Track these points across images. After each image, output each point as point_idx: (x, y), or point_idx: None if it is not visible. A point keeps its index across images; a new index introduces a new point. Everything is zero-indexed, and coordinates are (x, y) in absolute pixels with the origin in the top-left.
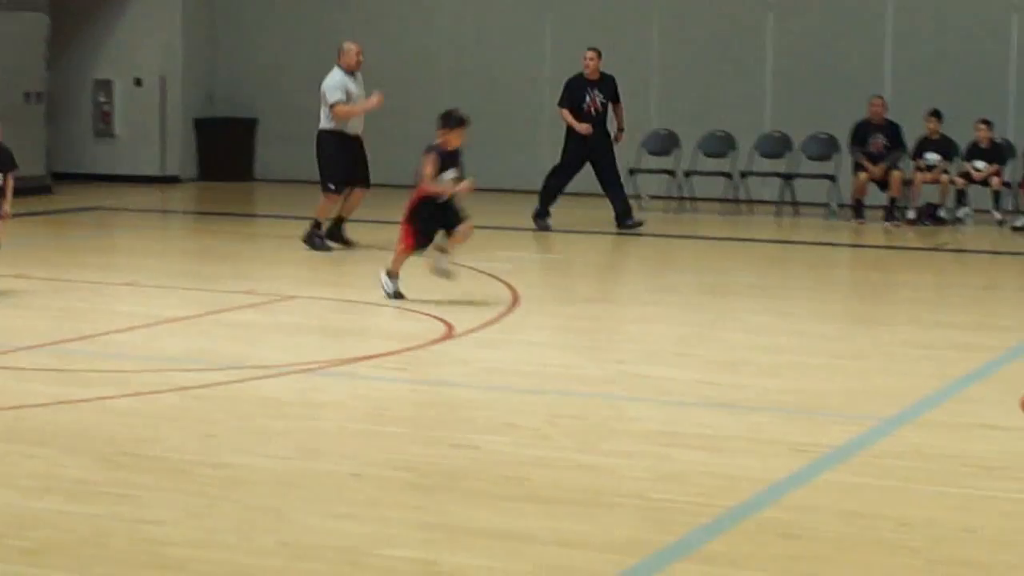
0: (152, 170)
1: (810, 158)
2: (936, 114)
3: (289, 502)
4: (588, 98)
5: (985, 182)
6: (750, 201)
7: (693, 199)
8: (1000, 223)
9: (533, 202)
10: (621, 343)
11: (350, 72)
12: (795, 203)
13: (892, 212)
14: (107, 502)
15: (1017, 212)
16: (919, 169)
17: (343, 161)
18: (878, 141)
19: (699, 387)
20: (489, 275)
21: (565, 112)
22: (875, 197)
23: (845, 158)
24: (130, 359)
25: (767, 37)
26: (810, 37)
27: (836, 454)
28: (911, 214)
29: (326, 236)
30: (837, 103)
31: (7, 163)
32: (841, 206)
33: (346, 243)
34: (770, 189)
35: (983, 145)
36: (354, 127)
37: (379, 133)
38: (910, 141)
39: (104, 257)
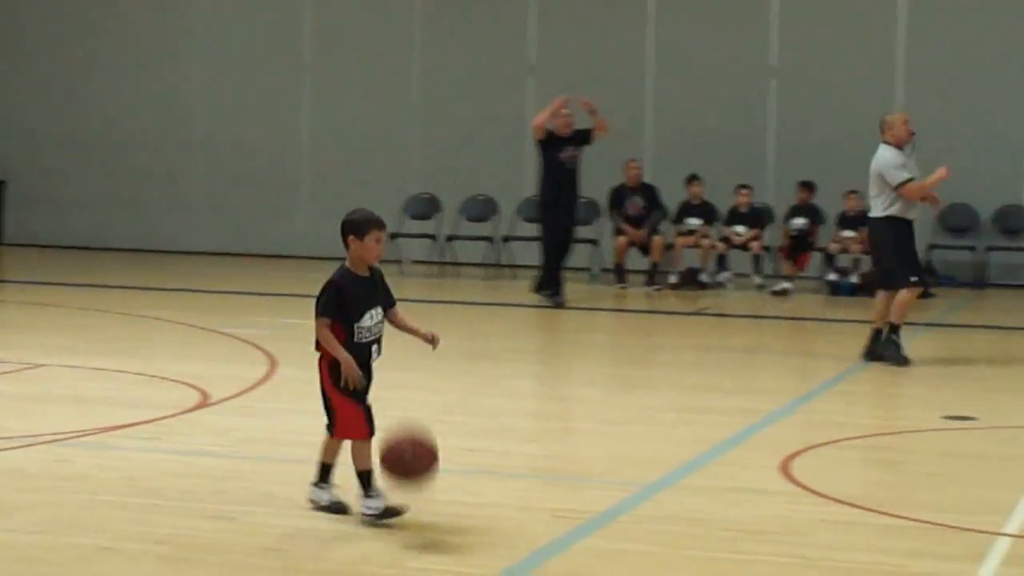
0: None
1: None
2: (696, 179)
3: None
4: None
5: (745, 247)
6: (513, 266)
7: (455, 264)
8: (760, 287)
9: (288, 267)
10: (381, 410)
11: (900, 146)
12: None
13: (654, 276)
14: None
15: (777, 276)
16: (680, 233)
17: (910, 249)
18: (636, 204)
19: (461, 454)
20: (246, 342)
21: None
22: (637, 261)
23: (606, 222)
24: None
25: (527, 101)
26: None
27: (598, 520)
28: (673, 278)
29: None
30: (597, 167)
31: (388, 297)
32: (603, 270)
33: (902, 360)
34: (533, 253)
35: (743, 210)
36: (914, 211)
37: (132, 197)
38: (672, 206)
39: None
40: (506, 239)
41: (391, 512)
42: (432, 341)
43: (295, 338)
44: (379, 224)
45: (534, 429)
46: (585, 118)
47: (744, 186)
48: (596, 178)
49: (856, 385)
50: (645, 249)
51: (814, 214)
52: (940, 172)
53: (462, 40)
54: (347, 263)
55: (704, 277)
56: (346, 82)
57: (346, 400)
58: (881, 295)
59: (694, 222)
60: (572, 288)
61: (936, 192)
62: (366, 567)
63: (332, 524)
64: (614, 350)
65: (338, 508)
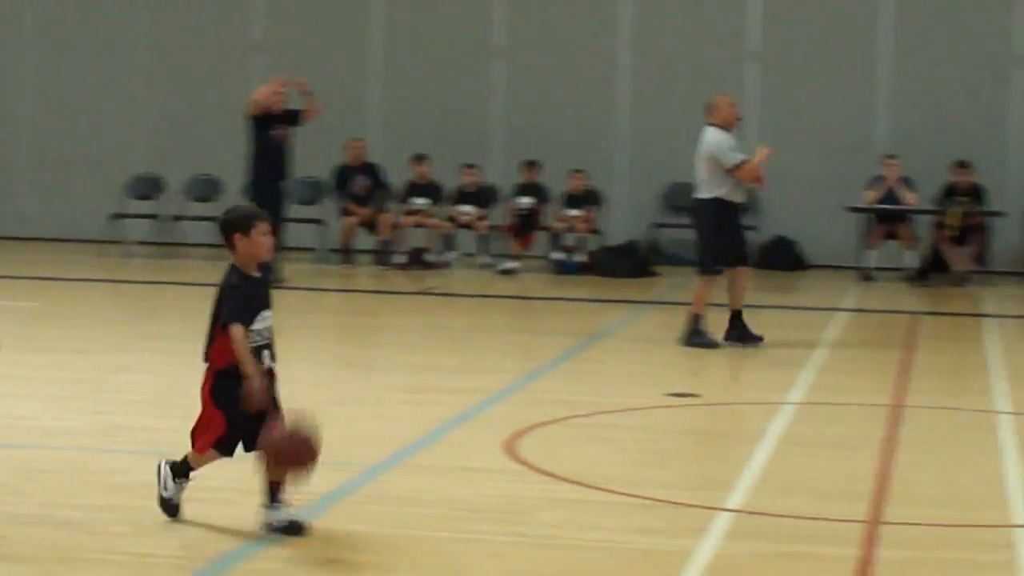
0: None
1: (297, 202)
2: (422, 158)
3: None
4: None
5: (472, 226)
6: None
7: (181, 244)
8: (487, 266)
9: (8, 249)
10: (101, 393)
11: (728, 129)
12: (284, 248)
13: (381, 256)
14: None
15: (503, 256)
16: (407, 213)
17: (731, 236)
18: (360, 183)
19: (182, 436)
20: None
21: None
22: (364, 241)
23: (332, 202)
24: None
25: (252, 79)
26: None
27: (322, 501)
28: (400, 258)
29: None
30: (323, 146)
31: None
32: (330, 251)
33: (756, 339)
34: None
35: (469, 189)
36: (741, 193)
37: None
38: (398, 185)
39: None
40: None
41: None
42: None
43: (12, 321)
44: (263, 216)
45: None
46: (299, 97)
47: (470, 165)
48: (321, 157)
49: (581, 363)
50: (372, 228)
51: (539, 193)
52: (763, 151)
53: (187, 16)
54: (236, 263)
55: (431, 257)
56: (68, 59)
57: (218, 415)
58: (728, 276)
59: (420, 202)
60: (298, 268)
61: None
62: (83, 552)
63: (50, 511)
64: (339, 330)
65: (295, 529)
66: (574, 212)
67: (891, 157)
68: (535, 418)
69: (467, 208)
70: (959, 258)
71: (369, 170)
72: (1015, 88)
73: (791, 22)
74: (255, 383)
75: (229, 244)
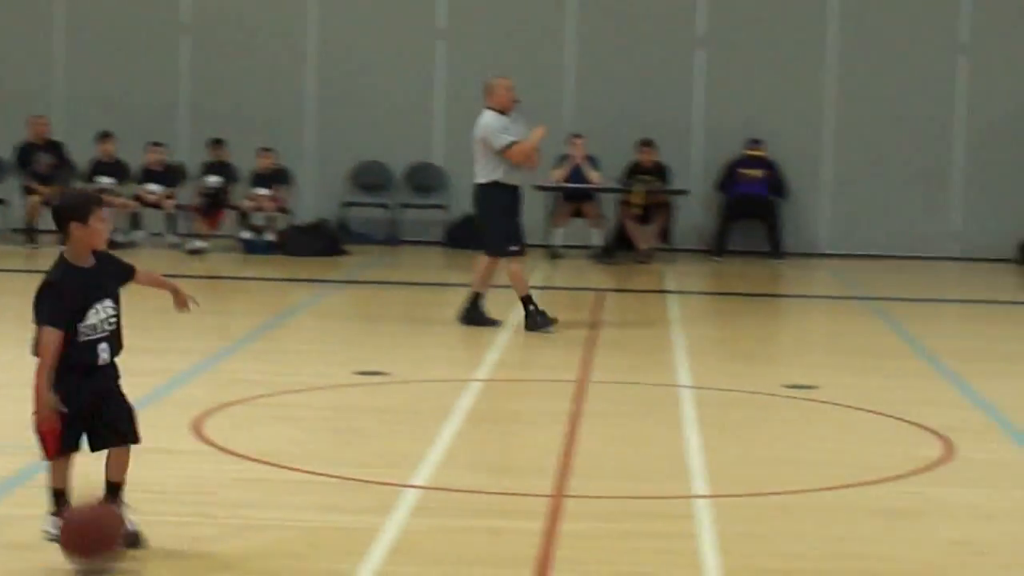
0: None
1: None
2: (108, 136)
3: None
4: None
5: (159, 205)
6: None
7: None
8: (175, 246)
9: None
10: None
11: (503, 113)
12: None
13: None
14: None
15: (191, 235)
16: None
17: (514, 216)
18: (44, 161)
19: None
20: None
21: None
22: (47, 221)
23: (15, 181)
24: None
25: None
26: None
27: (5, 484)
28: None
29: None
30: (2, 124)
31: (123, 272)
32: (13, 231)
33: (492, 322)
34: None
35: (156, 168)
36: (517, 176)
37: None
38: (83, 164)
39: None
40: None
41: None
42: (179, 302)
43: None
44: (100, 201)
45: None
46: None
47: (156, 144)
48: (2, 135)
49: (269, 343)
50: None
51: (227, 172)
52: (538, 131)
53: None
54: (66, 255)
55: (117, 237)
56: None
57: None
58: (482, 260)
59: (106, 180)
60: None
61: (537, 154)
62: None
63: None
64: (23, 312)
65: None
66: (263, 191)
67: (577, 136)
68: (223, 398)
69: (154, 187)
70: (643, 236)
71: (52, 148)
72: (698, 69)
73: (478, 1)
74: (41, 399)
75: (63, 232)
